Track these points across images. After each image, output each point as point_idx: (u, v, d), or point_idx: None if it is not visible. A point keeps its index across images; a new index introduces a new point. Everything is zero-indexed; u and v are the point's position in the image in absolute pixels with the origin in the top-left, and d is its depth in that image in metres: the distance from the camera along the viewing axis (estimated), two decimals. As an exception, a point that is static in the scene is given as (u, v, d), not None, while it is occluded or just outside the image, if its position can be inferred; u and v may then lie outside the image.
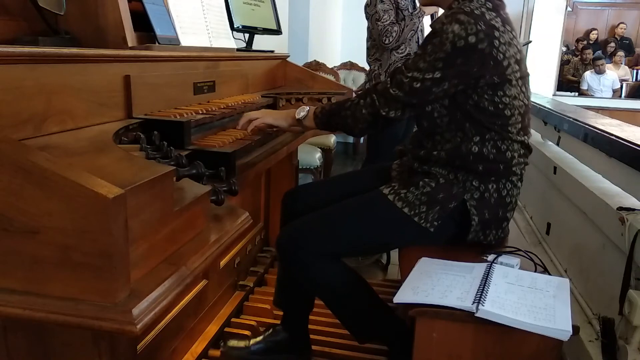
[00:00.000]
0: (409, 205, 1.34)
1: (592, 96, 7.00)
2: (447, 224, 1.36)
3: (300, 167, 2.85)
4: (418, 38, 2.79)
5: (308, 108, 1.48)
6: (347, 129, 1.43)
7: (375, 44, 2.73)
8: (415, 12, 2.68)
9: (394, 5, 2.66)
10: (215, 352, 1.67)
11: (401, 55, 2.73)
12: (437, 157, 1.37)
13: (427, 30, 2.79)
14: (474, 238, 1.37)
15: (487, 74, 1.28)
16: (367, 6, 2.70)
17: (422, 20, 2.72)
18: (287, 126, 1.54)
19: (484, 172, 1.35)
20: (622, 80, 7.36)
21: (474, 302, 1.08)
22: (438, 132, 1.37)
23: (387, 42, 2.63)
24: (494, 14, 1.30)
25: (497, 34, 1.27)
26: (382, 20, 2.61)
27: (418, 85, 1.29)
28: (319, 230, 1.37)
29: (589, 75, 7.24)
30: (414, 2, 2.76)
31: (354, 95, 1.75)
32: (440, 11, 1.47)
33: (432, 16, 2.71)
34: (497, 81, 1.30)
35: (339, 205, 1.41)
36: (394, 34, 2.62)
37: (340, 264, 1.40)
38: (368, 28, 2.78)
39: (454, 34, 1.24)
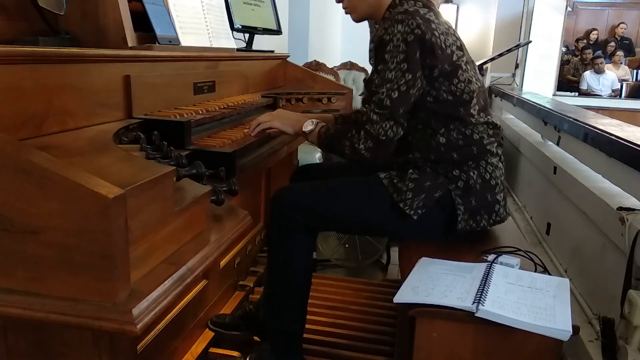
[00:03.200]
0: (397, 191, 1.37)
1: (593, 95, 7.00)
2: (436, 215, 1.38)
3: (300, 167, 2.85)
4: None
5: (316, 122, 1.46)
6: (346, 158, 1.42)
7: None
8: None
9: None
10: (216, 350, 1.67)
11: None
12: (413, 158, 1.41)
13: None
14: (464, 227, 1.38)
15: (438, 63, 1.32)
16: None
17: None
18: (293, 134, 1.53)
19: (460, 159, 1.38)
20: (622, 80, 7.36)
21: (474, 302, 1.08)
22: (408, 135, 1.39)
23: None
24: (426, 9, 1.36)
25: (433, 25, 1.32)
26: None
27: (396, 94, 1.30)
28: (313, 195, 1.42)
29: (588, 75, 7.24)
30: None
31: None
32: None
33: None
34: (449, 69, 1.34)
35: (339, 178, 1.50)
36: None
37: (311, 252, 1.47)
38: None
39: (401, 33, 1.29)
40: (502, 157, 1.45)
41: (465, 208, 1.37)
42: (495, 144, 1.43)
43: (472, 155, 1.38)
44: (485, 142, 1.39)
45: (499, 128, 1.46)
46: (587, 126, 1.96)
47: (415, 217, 1.36)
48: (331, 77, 4.04)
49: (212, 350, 1.67)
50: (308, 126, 1.46)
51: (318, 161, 3.24)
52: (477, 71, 1.45)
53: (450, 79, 1.35)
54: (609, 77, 7.20)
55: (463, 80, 1.36)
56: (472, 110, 1.38)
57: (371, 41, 2.84)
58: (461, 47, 1.40)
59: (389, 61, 1.30)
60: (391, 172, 1.43)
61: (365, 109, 1.36)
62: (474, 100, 1.39)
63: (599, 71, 7.18)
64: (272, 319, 1.48)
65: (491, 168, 1.40)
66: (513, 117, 3.52)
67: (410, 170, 1.39)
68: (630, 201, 1.53)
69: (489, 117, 1.43)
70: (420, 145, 1.39)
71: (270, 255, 1.49)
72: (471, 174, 1.38)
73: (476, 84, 1.40)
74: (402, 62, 1.29)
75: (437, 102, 1.36)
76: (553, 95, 5.88)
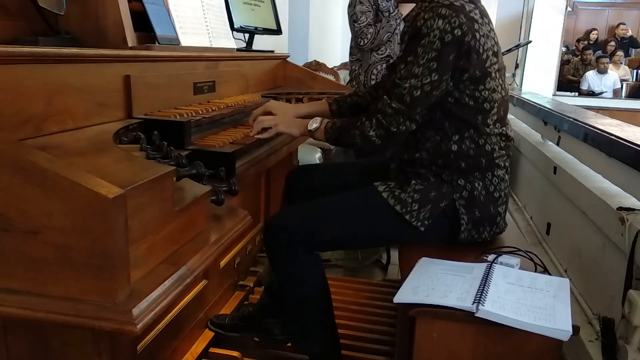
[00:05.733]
0: (401, 203, 1.35)
1: (594, 95, 6.99)
2: (440, 223, 1.36)
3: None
4: (399, 39, 2.80)
5: (320, 119, 1.45)
6: (356, 147, 1.41)
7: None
8: (393, 14, 2.69)
9: (374, 7, 2.67)
10: (216, 350, 1.67)
11: (381, 56, 2.75)
12: (420, 158, 1.38)
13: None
14: (467, 237, 1.37)
15: (470, 68, 1.28)
16: (348, 7, 2.73)
17: (399, 22, 2.72)
18: (298, 134, 1.50)
19: (467, 168, 1.35)
20: (622, 80, 7.36)
21: (474, 302, 1.08)
22: (419, 129, 1.36)
23: (362, 43, 2.66)
24: (472, 5, 1.30)
25: (476, 26, 1.27)
26: (358, 22, 2.64)
27: (418, 93, 1.27)
28: (311, 219, 1.37)
29: (590, 75, 7.23)
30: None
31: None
32: None
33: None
34: (479, 75, 1.30)
35: (334, 197, 1.43)
36: (368, 36, 2.64)
37: (321, 267, 1.42)
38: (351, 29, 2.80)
39: (440, 30, 1.24)
40: (508, 169, 1.42)
41: (469, 218, 1.35)
42: (505, 157, 1.40)
43: (480, 167, 1.36)
44: (495, 155, 1.37)
45: (510, 140, 1.42)
46: (587, 126, 1.96)
47: (422, 229, 1.34)
48: (331, 77, 4.04)
49: (212, 350, 1.67)
50: (313, 124, 1.44)
51: (318, 162, 3.24)
52: (505, 79, 1.41)
53: (476, 85, 1.31)
54: (611, 78, 7.19)
55: (489, 89, 1.32)
56: (488, 120, 1.35)
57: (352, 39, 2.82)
58: (496, 53, 1.35)
59: (420, 55, 1.26)
60: (389, 183, 1.40)
61: (385, 98, 1.32)
62: (494, 110, 1.35)
63: (603, 71, 7.16)
64: (303, 343, 1.47)
65: (496, 180, 1.38)
66: (513, 117, 3.52)
67: (414, 182, 1.37)
68: (630, 201, 1.53)
69: (504, 128, 1.39)
70: (429, 146, 1.37)
71: (281, 283, 1.45)
72: (476, 184, 1.36)
73: (500, 93, 1.36)
74: (432, 60, 1.25)
75: (458, 104, 1.32)
76: (553, 95, 5.89)
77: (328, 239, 1.38)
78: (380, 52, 2.75)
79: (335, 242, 1.42)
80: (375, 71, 2.75)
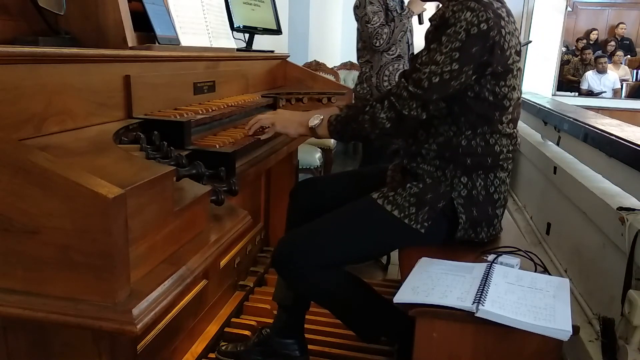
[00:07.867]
0: (399, 207, 1.35)
1: (594, 95, 6.99)
2: (439, 223, 1.36)
3: (300, 167, 2.85)
4: (408, 38, 2.78)
5: (322, 116, 1.43)
6: (364, 134, 1.38)
7: (366, 45, 2.73)
8: (404, 13, 2.68)
9: (383, 6, 2.66)
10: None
11: (392, 56, 2.73)
12: (427, 150, 1.38)
13: (416, 30, 2.80)
14: (463, 236, 1.37)
15: (494, 62, 1.29)
16: (356, 8, 2.70)
17: (410, 20, 2.71)
18: (295, 135, 1.49)
19: (472, 165, 1.35)
20: (622, 80, 7.36)
21: (474, 302, 1.08)
22: (434, 124, 1.36)
23: (377, 44, 2.63)
24: (499, 4, 1.32)
25: (502, 23, 1.29)
26: (372, 23, 2.61)
27: (437, 79, 1.27)
28: (314, 243, 1.36)
29: (590, 75, 7.23)
30: (402, 2, 2.76)
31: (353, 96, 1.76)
32: (428, 12, 1.45)
33: (419, 16, 2.72)
34: (501, 70, 1.31)
35: (332, 215, 1.41)
36: (384, 36, 2.62)
37: (337, 270, 1.40)
38: (358, 30, 2.77)
39: (467, 22, 1.25)
40: (510, 172, 1.43)
41: (466, 217, 1.35)
42: (510, 161, 1.41)
43: (484, 166, 1.36)
44: (501, 157, 1.37)
45: (517, 145, 1.43)
46: (587, 126, 1.96)
47: (422, 231, 1.34)
48: (331, 77, 4.05)
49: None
50: (314, 121, 1.42)
51: (318, 162, 3.25)
52: (521, 82, 1.42)
53: (497, 80, 1.31)
54: (611, 78, 7.19)
55: (509, 86, 1.33)
56: (504, 118, 1.35)
57: (358, 40, 2.82)
58: (519, 53, 1.36)
59: (444, 44, 1.27)
60: (382, 189, 1.40)
61: (402, 81, 1.32)
62: (510, 109, 1.36)
63: (602, 71, 7.16)
64: (370, 334, 1.49)
65: (498, 182, 1.38)
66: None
67: (409, 185, 1.37)
68: (630, 201, 1.53)
69: (515, 130, 1.41)
70: (441, 139, 1.36)
71: (313, 300, 1.50)
72: (477, 183, 1.36)
73: (517, 93, 1.37)
74: (455, 50, 1.25)
75: (477, 99, 1.32)
76: (553, 95, 5.88)
77: (338, 259, 1.37)
78: (391, 53, 2.72)
79: (345, 259, 1.41)
80: (387, 72, 2.72)
